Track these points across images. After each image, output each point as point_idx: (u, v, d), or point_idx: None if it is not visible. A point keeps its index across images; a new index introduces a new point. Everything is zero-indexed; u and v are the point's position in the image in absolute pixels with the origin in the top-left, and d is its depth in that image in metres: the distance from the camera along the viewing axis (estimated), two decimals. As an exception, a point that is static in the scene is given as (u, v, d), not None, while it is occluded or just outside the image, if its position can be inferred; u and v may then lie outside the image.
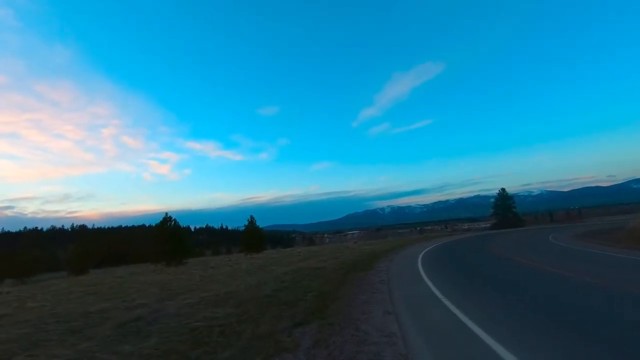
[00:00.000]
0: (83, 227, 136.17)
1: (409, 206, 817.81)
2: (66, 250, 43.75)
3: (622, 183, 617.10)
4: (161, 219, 27.47)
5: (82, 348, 5.42)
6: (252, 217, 36.39)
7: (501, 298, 6.53)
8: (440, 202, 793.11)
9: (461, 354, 3.75)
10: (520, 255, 13.94)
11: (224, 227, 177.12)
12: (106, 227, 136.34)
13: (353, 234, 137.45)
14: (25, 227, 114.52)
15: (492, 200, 75.01)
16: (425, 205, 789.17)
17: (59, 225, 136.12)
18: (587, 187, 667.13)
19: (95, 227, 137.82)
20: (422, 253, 17.93)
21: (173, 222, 27.69)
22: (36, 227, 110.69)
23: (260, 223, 38.86)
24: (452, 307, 5.74)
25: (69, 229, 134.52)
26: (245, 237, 36.41)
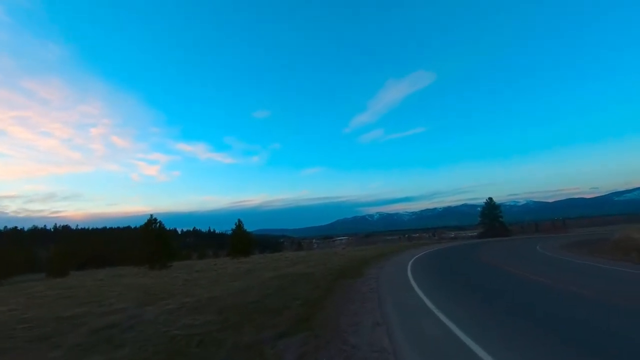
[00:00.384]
0: (66, 228, 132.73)
1: (398, 213, 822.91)
2: (47, 251, 42.41)
3: (605, 195, 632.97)
4: (146, 220, 26.79)
5: (48, 357, 5.04)
6: (239, 220, 35.88)
7: (492, 308, 6.32)
8: (428, 209, 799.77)
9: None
10: (509, 264, 13.87)
11: (212, 230, 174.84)
12: (91, 228, 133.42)
13: (342, 239, 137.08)
14: (6, 227, 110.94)
15: (479, 209, 75.72)
16: (413, 213, 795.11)
17: (41, 225, 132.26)
18: (572, 198, 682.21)
19: (80, 227, 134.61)
20: (412, 261, 17.73)
21: (158, 224, 27.02)
22: (16, 227, 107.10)
23: (249, 227, 38.39)
24: (444, 319, 5.48)
25: (52, 229, 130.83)
26: (233, 241, 35.83)
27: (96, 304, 9.56)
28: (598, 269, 11.60)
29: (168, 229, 34.18)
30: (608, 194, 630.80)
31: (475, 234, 76.60)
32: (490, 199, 68.06)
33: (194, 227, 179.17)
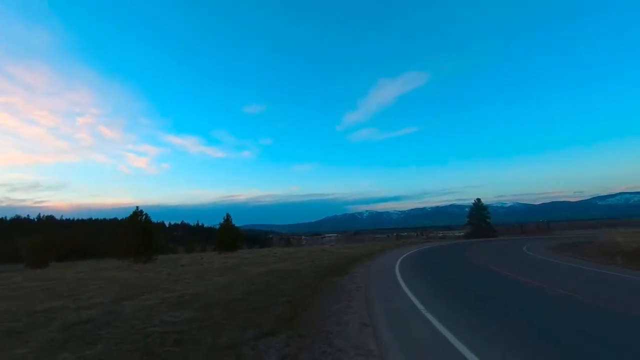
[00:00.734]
0: (50, 218, 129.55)
1: (387, 212, 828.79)
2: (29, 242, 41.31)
3: (589, 199, 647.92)
4: (131, 212, 26.19)
5: (14, 354, 4.73)
6: (228, 215, 35.49)
7: (483, 310, 6.19)
8: (417, 209, 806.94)
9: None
10: (497, 265, 13.88)
11: (200, 224, 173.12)
12: (76, 219, 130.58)
13: (330, 237, 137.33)
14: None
15: (467, 209, 76.46)
16: (402, 212, 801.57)
17: (24, 215, 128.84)
18: (556, 201, 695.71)
19: (64, 218, 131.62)
20: (400, 259, 17.68)
21: (144, 217, 26.45)
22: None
23: (238, 222, 38.03)
24: (434, 320, 5.32)
25: (35, 219, 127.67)
26: (220, 236, 35.40)
27: (73, 298, 9.19)
28: (585, 272, 11.68)
29: (156, 222, 33.62)
30: (591, 198, 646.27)
31: (462, 234, 77.36)
32: (479, 199, 68.76)
33: (182, 221, 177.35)
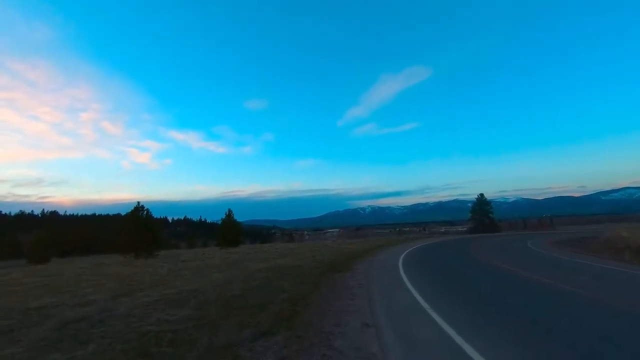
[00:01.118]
0: (54, 214, 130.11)
1: (389, 207, 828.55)
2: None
3: (592, 194, 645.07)
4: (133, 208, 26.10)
5: (3, 354, 4.57)
6: (230, 210, 35.37)
7: (490, 308, 5.93)
8: (420, 204, 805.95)
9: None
10: (501, 261, 13.61)
11: (203, 219, 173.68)
12: (79, 214, 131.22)
13: (333, 232, 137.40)
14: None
15: (469, 205, 76.21)
16: (405, 207, 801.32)
17: (28, 210, 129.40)
18: (560, 196, 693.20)
19: (68, 214, 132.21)
20: (403, 255, 17.45)
21: (145, 212, 26.36)
22: (0, 211, 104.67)
23: (241, 217, 37.95)
24: (439, 320, 5.05)
25: (39, 215, 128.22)
26: (222, 231, 35.30)
27: (70, 294, 9.05)
28: (592, 268, 11.45)
29: (159, 217, 33.62)
30: (595, 193, 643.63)
31: (465, 229, 77.17)
32: (482, 195, 68.46)
33: (185, 216, 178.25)
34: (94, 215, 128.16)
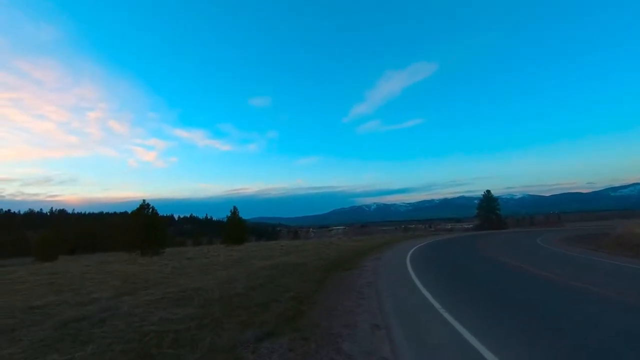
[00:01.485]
0: (62, 212, 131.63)
1: (395, 204, 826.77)
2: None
3: (601, 190, 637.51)
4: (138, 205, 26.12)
5: (1, 355, 4.45)
6: (235, 207, 35.33)
7: (506, 308, 5.63)
8: (425, 201, 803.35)
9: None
10: (513, 258, 13.20)
11: (209, 217, 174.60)
12: (87, 212, 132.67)
13: (338, 229, 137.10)
14: (1, 210, 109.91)
15: (476, 201, 75.53)
16: (410, 204, 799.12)
17: (37, 209, 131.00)
18: (568, 192, 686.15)
19: (76, 212, 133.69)
20: (410, 252, 17.19)
21: (151, 210, 26.37)
22: (9, 210, 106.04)
23: (246, 215, 37.91)
24: (454, 322, 4.76)
25: (47, 213, 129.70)
26: (227, 229, 35.28)
27: (73, 293, 8.97)
28: (605, 265, 11.12)
29: (165, 215, 33.72)
30: (604, 189, 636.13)
31: (471, 226, 76.53)
32: (488, 191, 67.78)
33: (191, 214, 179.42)
34: (101, 213, 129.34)
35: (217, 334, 4.56)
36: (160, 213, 29.77)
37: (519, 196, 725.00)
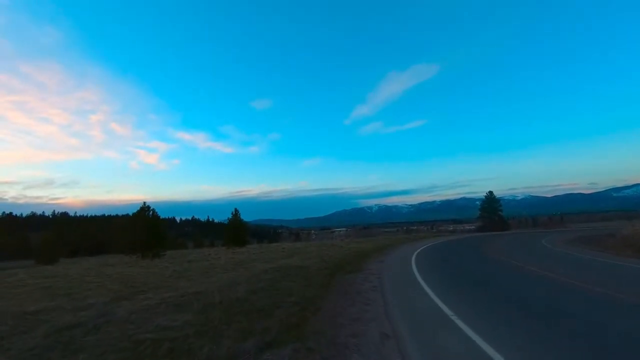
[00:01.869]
0: (64, 215, 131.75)
1: (396, 206, 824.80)
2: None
3: (603, 191, 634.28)
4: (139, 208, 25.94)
5: (-13, 366, 4.21)
6: (236, 210, 35.11)
7: (514, 311, 5.37)
8: (427, 202, 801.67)
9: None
10: (521, 261, 12.72)
11: (211, 219, 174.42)
12: (89, 215, 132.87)
13: (340, 231, 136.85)
14: (4, 212, 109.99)
15: (477, 202, 75.14)
16: (412, 206, 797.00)
17: (39, 212, 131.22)
18: (570, 193, 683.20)
19: (78, 214, 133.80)
20: (415, 255, 16.86)
21: (151, 212, 26.18)
22: (11, 212, 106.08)
23: (248, 217, 37.71)
24: (465, 327, 4.43)
25: (50, 216, 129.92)
26: (229, 231, 35.05)
27: (71, 297, 8.73)
28: (621, 267, 10.78)
29: (167, 217, 33.55)
30: (606, 190, 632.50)
31: (473, 227, 75.99)
32: (491, 192, 67.28)
33: (193, 216, 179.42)
34: (103, 216, 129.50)
35: (216, 342, 4.30)
36: (162, 215, 29.64)
37: (521, 197, 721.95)
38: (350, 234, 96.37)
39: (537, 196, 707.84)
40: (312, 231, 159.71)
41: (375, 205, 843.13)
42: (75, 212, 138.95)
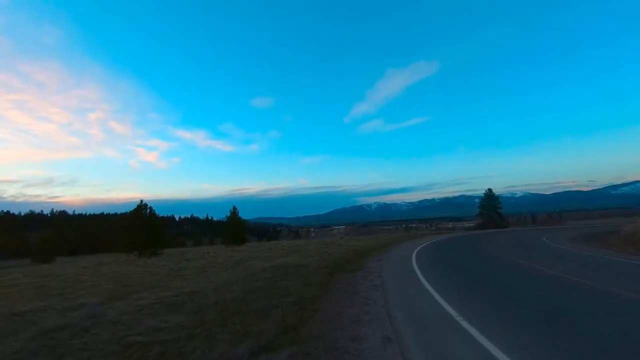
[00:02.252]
0: (63, 213, 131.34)
1: (395, 203, 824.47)
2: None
3: (602, 188, 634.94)
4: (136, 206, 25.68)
5: (-34, 371, 3.98)
6: (234, 208, 34.89)
7: (520, 310, 5.15)
8: (426, 200, 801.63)
9: None
10: (525, 259, 12.40)
11: (210, 217, 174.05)
12: (88, 213, 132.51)
13: (339, 229, 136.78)
14: (3, 211, 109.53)
15: (476, 200, 75.02)
16: (411, 203, 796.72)
17: (38, 210, 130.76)
18: (569, 191, 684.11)
19: (77, 213, 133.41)
20: (415, 252, 16.63)
21: (149, 210, 25.92)
22: (9, 211, 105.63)
23: (247, 215, 37.68)
24: (473, 331, 4.17)
25: (49, 215, 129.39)
26: (227, 229, 34.81)
27: (63, 297, 8.50)
28: (625, 265, 10.56)
29: (166, 215, 33.33)
30: (605, 187, 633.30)
31: (472, 224, 75.84)
32: (490, 189, 67.02)
33: (192, 215, 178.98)
34: (102, 214, 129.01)
35: (208, 346, 4.07)
36: (162, 214, 29.47)
37: (520, 195, 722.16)
38: (350, 232, 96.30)
39: (536, 193, 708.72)
40: (312, 229, 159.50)
41: (375, 203, 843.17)
42: (75, 211, 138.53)
